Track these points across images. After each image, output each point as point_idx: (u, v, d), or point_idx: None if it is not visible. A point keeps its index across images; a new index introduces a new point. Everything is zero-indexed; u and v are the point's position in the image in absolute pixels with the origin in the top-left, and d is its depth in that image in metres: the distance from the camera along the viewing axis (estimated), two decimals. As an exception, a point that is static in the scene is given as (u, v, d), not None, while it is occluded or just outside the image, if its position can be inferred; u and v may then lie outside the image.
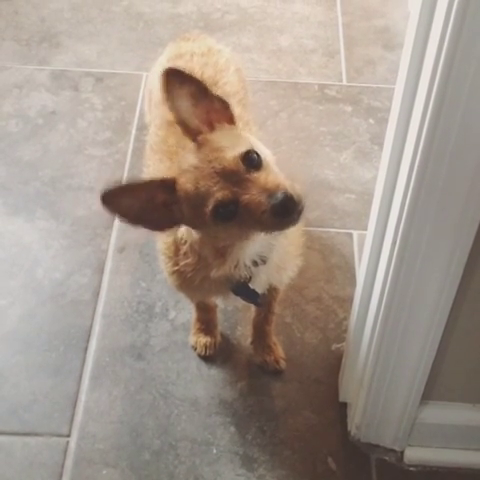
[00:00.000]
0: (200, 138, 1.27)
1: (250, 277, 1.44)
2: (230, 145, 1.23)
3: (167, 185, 1.25)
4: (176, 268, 1.48)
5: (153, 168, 1.59)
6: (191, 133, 1.28)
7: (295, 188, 1.20)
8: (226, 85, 1.68)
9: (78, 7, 2.92)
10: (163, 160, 1.55)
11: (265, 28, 2.85)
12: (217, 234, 1.29)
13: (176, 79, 1.25)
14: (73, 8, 2.91)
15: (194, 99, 1.27)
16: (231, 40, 2.77)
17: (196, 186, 1.21)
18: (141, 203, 1.24)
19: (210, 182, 1.20)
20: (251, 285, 1.47)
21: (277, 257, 1.46)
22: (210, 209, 1.20)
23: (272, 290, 1.64)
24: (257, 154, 1.23)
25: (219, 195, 1.19)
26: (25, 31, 2.80)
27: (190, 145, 1.28)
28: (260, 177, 1.20)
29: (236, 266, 1.38)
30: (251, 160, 1.22)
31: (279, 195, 1.17)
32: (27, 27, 2.82)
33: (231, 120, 1.31)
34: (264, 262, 1.41)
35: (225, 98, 1.32)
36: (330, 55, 2.74)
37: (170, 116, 1.59)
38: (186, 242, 1.42)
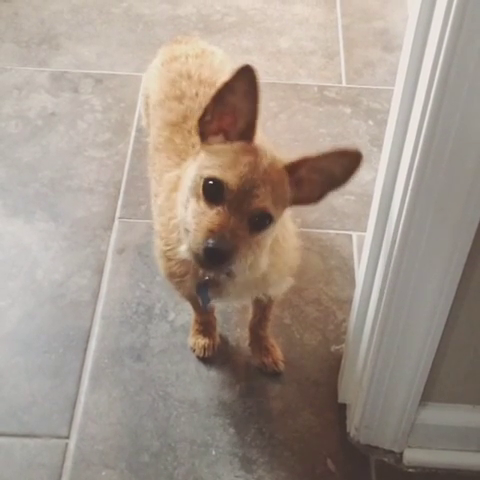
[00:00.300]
0: (251, 137, 1.28)
1: (218, 283, 1.45)
2: (276, 197, 1.25)
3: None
4: (163, 248, 1.49)
5: (159, 166, 1.59)
6: (204, 125, 1.30)
7: (234, 264, 1.23)
8: None
9: (78, 9, 2.92)
10: (171, 157, 1.56)
11: (265, 30, 2.86)
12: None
13: (249, 77, 1.24)
14: (73, 10, 2.91)
15: (239, 102, 1.27)
16: (231, 42, 2.77)
17: (238, 157, 1.24)
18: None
19: (241, 173, 1.22)
20: (218, 289, 1.47)
21: (255, 276, 1.44)
22: (216, 175, 1.23)
23: (263, 299, 1.65)
24: (269, 224, 1.26)
25: (231, 179, 1.22)
26: (25, 33, 2.80)
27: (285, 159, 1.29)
28: (240, 224, 1.22)
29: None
30: (261, 220, 1.25)
31: (218, 241, 1.20)
32: (27, 29, 2.82)
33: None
34: (229, 276, 1.41)
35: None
36: (330, 57, 2.75)
37: (171, 117, 1.61)
38: (176, 217, 1.41)
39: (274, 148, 1.36)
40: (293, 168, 1.28)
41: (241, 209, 1.23)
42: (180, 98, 1.63)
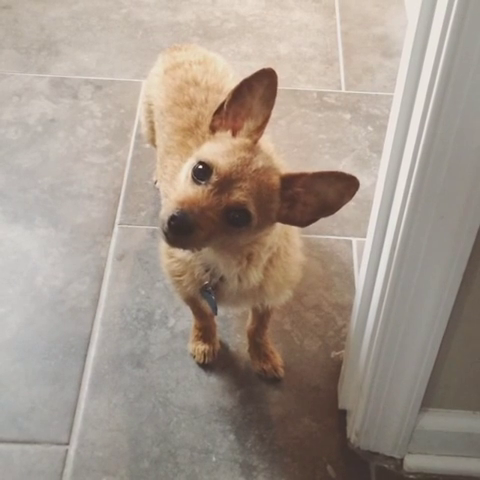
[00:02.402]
0: (255, 139, 1.29)
1: (215, 285, 1.46)
2: (259, 200, 1.24)
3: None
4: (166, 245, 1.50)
5: (171, 168, 1.60)
6: (217, 119, 1.31)
7: (195, 239, 1.22)
8: None
9: (77, 15, 2.92)
10: (184, 159, 1.56)
11: (264, 36, 2.86)
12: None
13: (268, 80, 1.26)
14: (72, 16, 2.92)
15: (256, 103, 1.29)
16: (230, 48, 2.78)
17: (238, 150, 1.25)
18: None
19: (233, 163, 1.23)
20: (216, 295, 1.49)
21: (249, 285, 1.45)
22: (209, 158, 1.24)
23: (257, 308, 1.65)
24: (245, 224, 1.24)
25: (222, 165, 1.22)
26: (25, 39, 2.81)
27: (248, 140, 1.30)
28: (214, 210, 1.21)
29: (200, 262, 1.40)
30: (238, 216, 1.23)
31: (181, 212, 1.19)
32: (27, 35, 2.82)
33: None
34: (220, 279, 1.43)
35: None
36: (329, 63, 2.75)
37: (182, 123, 1.61)
38: None
39: (278, 158, 1.36)
40: (288, 181, 1.27)
41: (221, 196, 1.22)
42: (189, 104, 1.64)
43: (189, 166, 1.28)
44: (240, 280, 1.43)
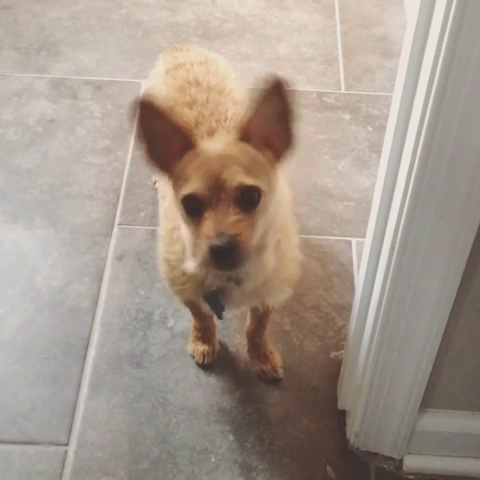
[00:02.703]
0: (240, 140, 1.28)
1: (223, 289, 1.45)
2: (250, 170, 1.24)
3: (188, 142, 1.27)
4: (166, 255, 1.51)
5: None
6: (242, 133, 1.28)
7: (246, 250, 1.22)
8: (232, 92, 1.69)
9: (77, 15, 2.92)
10: None
11: (264, 36, 2.86)
12: (181, 217, 1.32)
13: (283, 88, 1.23)
14: (72, 16, 2.92)
15: (278, 116, 1.27)
16: (230, 48, 2.78)
17: (195, 166, 1.24)
18: (161, 130, 1.25)
19: (204, 175, 1.23)
20: (222, 298, 1.48)
21: (257, 283, 1.45)
22: (183, 193, 1.24)
23: (257, 308, 1.64)
24: (259, 197, 1.24)
25: (195, 188, 1.22)
26: (24, 39, 2.81)
27: (230, 137, 1.30)
28: (235, 215, 1.22)
29: (207, 271, 1.39)
30: (249, 197, 1.24)
31: (225, 241, 1.20)
32: (26, 35, 2.82)
33: (279, 157, 1.32)
34: (238, 283, 1.42)
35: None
36: (328, 63, 2.75)
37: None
38: (179, 228, 1.43)
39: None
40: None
41: (221, 199, 1.22)
42: (191, 104, 1.64)
43: (179, 210, 1.29)
44: (258, 270, 1.42)
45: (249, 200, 1.24)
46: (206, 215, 1.22)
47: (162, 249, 1.53)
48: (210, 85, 1.68)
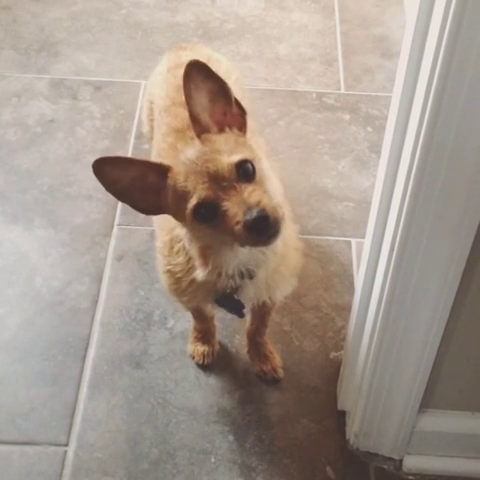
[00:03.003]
0: (204, 136, 1.28)
1: (237, 289, 1.45)
2: (230, 150, 1.25)
3: (161, 170, 1.27)
4: (168, 267, 1.50)
5: None
6: (199, 129, 1.29)
7: (276, 211, 1.21)
8: None
9: (77, 16, 2.92)
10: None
11: (263, 37, 2.86)
12: (196, 233, 1.32)
13: (200, 72, 1.26)
14: (72, 17, 2.92)
15: (213, 96, 1.28)
16: (229, 48, 2.78)
17: (186, 179, 1.24)
18: (131, 179, 1.25)
19: (199, 180, 1.22)
20: (237, 297, 1.48)
21: (267, 275, 1.46)
22: (192, 205, 1.22)
23: (264, 304, 1.63)
24: (253, 166, 1.24)
25: (202, 194, 1.21)
26: (24, 40, 2.81)
27: (195, 140, 1.30)
28: (246, 189, 1.21)
29: (220, 274, 1.39)
30: (245, 170, 1.24)
31: (255, 212, 1.18)
32: (26, 36, 2.83)
33: (243, 128, 1.32)
34: (251, 276, 1.42)
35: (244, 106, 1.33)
36: (328, 63, 2.75)
37: (177, 124, 1.61)
38: (180, 240, 1.43)
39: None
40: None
41: (226, 187, 1.21)
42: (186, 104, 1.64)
43: (190, 225, 1.28)
44: (268, 258, 1.42)
45: (246, 172, 1.24)
46: (223, 208, 1.21)
47: (163, 262, 1.52)
48: None
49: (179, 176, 1.25)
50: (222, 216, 1.21)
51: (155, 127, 1.77)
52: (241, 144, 1.29)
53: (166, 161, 1.32)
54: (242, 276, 1.42)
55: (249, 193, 1.21)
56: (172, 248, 1.47)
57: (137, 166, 1.27)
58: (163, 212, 1.33)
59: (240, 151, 1.26)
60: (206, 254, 1.36)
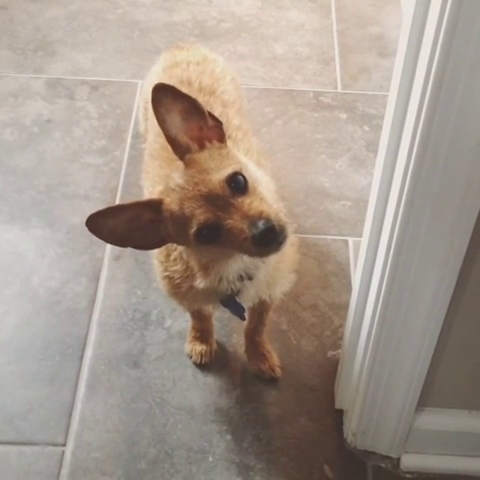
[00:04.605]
0: (187, 157, 1.27)
1: (238, 291, 1.45)
2: (217, 167, 1.24)
3: (153, 205, 1.26)
4: (166, 273, 1.50)
5: (152, 174, 1.59)
6: (180, 150, 1.28)
7: (278, 217, 1.21)
8: (224, 94, 1.68)
9: (73, 16, 2.92)
10: (163, 166, 1.55)
11: (260, 36, 2.86)
12: (201, 253, 1.32)
13: (167, 95, 1.24)
14: (68, 17, 2.91)
15: (186, 115, 1.27)
16: (226, 48, 2.77)
17: (181, 207, 1.23)
18: (126, 223, 1.25)
19: (194, 204, 1.21)
20: (238, 299, 1.48)
21: (266, 273, 1.46)
22: (193, 231, 1.21)
23: (263, 303, 1.64)
24: (244, 177, 1.24)
25: (202, 218, 1.21)
26: (20, 40, 2.80)
27: (178, 164, 1.29)
28: (244, 202, 1.21)
29: (220, 280, 1.39)
30: (237, 182, 1.23)
31: (260, 225, 1.18)
32: (22, 36, 2.82)
33: (222, 139, 1.31)
34: (250, 278, 1.43)
35: (218, 117, 1.32)
36: (325, 62, 2.75)
37: None
38: (176, 249, 1.43)
39: None
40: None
41: (224, 206, 1.21)
42: None
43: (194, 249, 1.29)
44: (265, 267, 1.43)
45: (238, 185, 1.23)
46: (227, 227, 1.20)
47: (160, 268, 1.52)
48: (202, 86, 1.67)
49: (173, 206, 1.24)
50: (226, 234, 1.21)
51: (149, 127, 1.77)
52: (225, 156, 1.28)
53: (154, 192, 1.31)
54: (242, 279, 1.42)
55: (249, 206, 1.20)
56: (169, 255, 1.47)
57: (128, 210, 1.26)
58: (167, 242, 1.33)
59: (226, 164, 1.25)
60: (208, 266, 1.37)
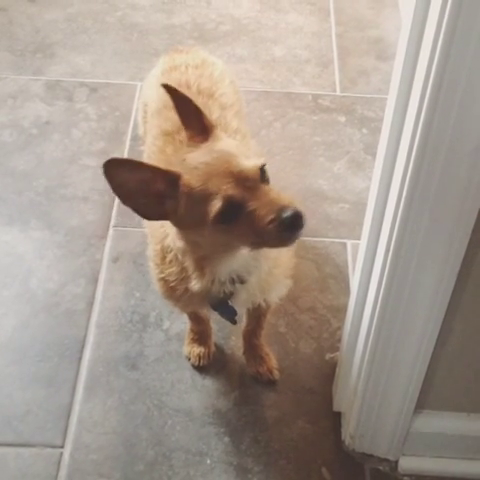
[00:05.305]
0: (214, 133, 1.30)
1: (230, 294, 1.45)
2: (244, 154, 1.26)
3: (170, 177, 1.25)
4: (162, 276, 1.50)
5: None
6: (195, 138, 1.31)
7: (303, 214, 1.22)
8: (222, 97, 1.69)
9: (72, 18, 2.92)
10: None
11: (259, 38, 2.86)
12: (204, 239, 1.30)
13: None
14: (67, 19, 2.92)
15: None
16: (225, 50, 2.78)
17: (205, 182, 1.22)
18: (137, 183, 1.23)
19: (222, 180, 1.21)
20: (231, 302, 1.48)
21: (259, 278, 1.46)
22: (218, 206, 1.20)
23: (259, 307, 1.64)
24: (264, 168, 1.26)
25: (229, 193, 1.20)
26: (20, 41, 2.80)
27: (190, 148, 1.30)
28: (272, 190, 1.22)
29: (213, 281, 1.39)
30: (264, 173, 1.24)
31: (290, 211, 1.19)
32: (22, 38, 2.82)
33: None
34: (242, 282, 1.42)
35: (213, 122, 1.35)
36: (324, 65, 2.75)
37: (167, 127, 1.61)
38: (171, 251, 1.43)
39: None
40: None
41: (250, 188, 1.21)
42: None
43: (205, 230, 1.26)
44: (260, 263, 1.43)
45: (264, 175, 1.25)
46: (249, 209, 1.20)
47: (156, 270, 1.52)
48: (200, 89, 1.68)
49: (194, 181, 1.23)
50: (246, 216, 1.20)
51: (147, 129, 1.77)
52: (248, 149, 1.33)
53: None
54: (233, 282, 1.42)
55: (278, 193, 1.22)
56: (164, 258, 1.47)
57: (145, 170, 1.25)
58: (165, 219, 1.31)
59: (254, 155, 1.27)
60: (202, 265, 1.37)
